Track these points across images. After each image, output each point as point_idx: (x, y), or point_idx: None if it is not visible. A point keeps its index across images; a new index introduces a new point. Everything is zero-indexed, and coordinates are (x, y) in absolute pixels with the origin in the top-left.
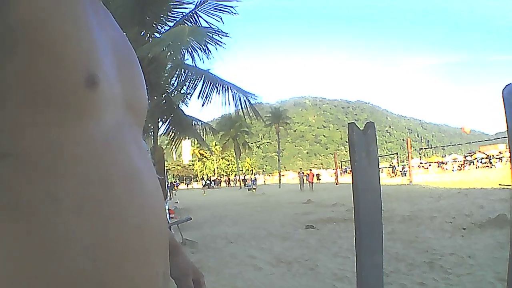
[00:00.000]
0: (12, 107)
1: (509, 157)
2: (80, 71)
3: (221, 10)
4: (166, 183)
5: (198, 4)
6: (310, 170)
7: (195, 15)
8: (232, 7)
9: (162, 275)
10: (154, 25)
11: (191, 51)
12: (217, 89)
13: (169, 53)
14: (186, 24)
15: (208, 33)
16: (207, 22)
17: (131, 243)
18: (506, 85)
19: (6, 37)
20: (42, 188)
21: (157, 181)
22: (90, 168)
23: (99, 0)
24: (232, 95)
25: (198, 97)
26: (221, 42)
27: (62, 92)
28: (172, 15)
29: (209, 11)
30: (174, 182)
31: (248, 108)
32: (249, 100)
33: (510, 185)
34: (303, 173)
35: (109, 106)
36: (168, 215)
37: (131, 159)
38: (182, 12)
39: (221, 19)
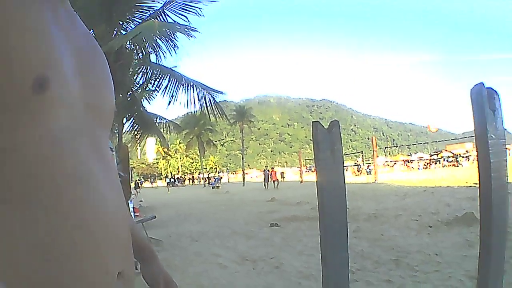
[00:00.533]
0: None
1: (476, 156)
2: (28, 76)
3: (187, 10)
4: (131, 182)
5: (165, 3)
6: (272, 168)
7: (162, 14)
8: (199, 8)
9: (118, 275)
10: (121, 23)
11: (157, 49)
12: (182, 87)
13: (141, 42)
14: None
15: (176, 27)
16: (174, 21)
17: (77, 242)
18: (475, 85)
19: None
20: None
21: (117, 184)
22: (37, 170)
23: (63, 3)
24: (197, 93)
25: (163, 95)
26: (190, 33)
27: (9, 96)
28: (139, 13)
29: (176, 10)
30: (139, 180)
31: (213, 106)
32: (214, 98)
33: (477, 184)
34: (268, 171)
35: (62, 109)
36: (133, 213)
37: (82, 162)
38: (149, 11)
39: (187, 18)
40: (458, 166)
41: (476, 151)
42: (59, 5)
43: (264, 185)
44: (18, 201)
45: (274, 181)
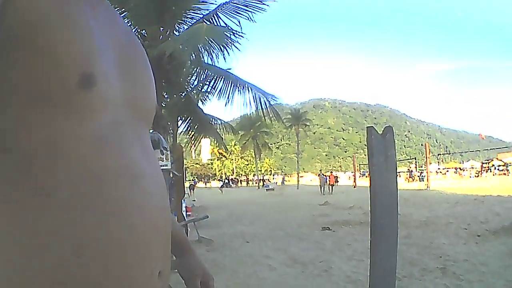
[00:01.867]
0: (14, 107)
1: None
2: (74, 72)
3: (240, 14)
4: (184, 181)
5: (218, 6)
6: (331, 172)
7: (215, 16)
8: (252, 12)
9: (159, 275)
10: (174, 24)
11: (210, 51)
12: (238, 88)
13: (185, 49)
14: (204, 23)
15: (225, 32)
16: (225, 24)
17: (123, 242)
18: None
19: (6, 39)
20: (35, 183)
21: (161, 181)
22: (83, 166)
23: (102, 0)
24: (253, 95)
25: (219, 97)
26: (236, 43)
27: (57, 93)
28: (191, 14)
29: (229, 13)
30: (193, 180)
31: (268, 109)
32: (269, 101)
33: None
34: (323, 175)
35: (107, 105)
36: (185, 212)
37: (129, 158)
38: (202, 13)
39: (239, 22)
40: (508, 174)
41: None
42: (98, 1)
43: (320, 189)
44: (60, 198)
45: (331, 185)
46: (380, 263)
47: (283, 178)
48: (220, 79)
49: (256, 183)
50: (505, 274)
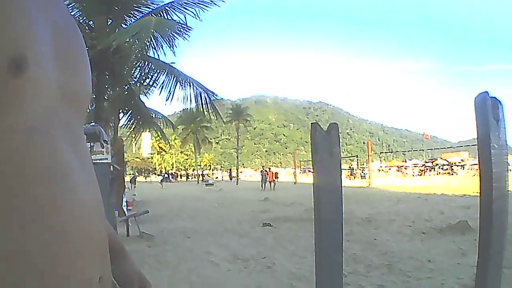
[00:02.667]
0: None
1: (477, 165)
2: (3, 54)
3: (188, 10)
4: (125, 176)
5: (169, 2)
6: (269, 168)
7: (163, 11)
8: (198, 9)
9: (99, 281)
10: (122, 16)
11: (155, 44)
12: (179, 83)
13: (133, 45)
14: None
15: (173, 26)
16: (172, 18)
17: (54, 247)
18: (479, 94)
19: None
20: None
21: (93, 178)
22: (7, 165)
23: None
24: (193, 90)
25: (160, 91)
26: (185, 35)
27: None
28: (140, 7)
29: (178, 8)
30: (133, 174)
31: (208, 105)
32: (209, 97)
33: (474, 193)
34: (265, 170)
35: (39, 93)
36: (125, 207)
37: (58, 153)
38: (151, 7)
39: (185, 17)
40: (452, 174)
41: (478, 160)
42: None
43: (262, 185)
44: None
45: (270, 182)
46: (326, 259)
47: (230, 173)
48: (162, 73)
49: (195, 177)
50: (456, 272)
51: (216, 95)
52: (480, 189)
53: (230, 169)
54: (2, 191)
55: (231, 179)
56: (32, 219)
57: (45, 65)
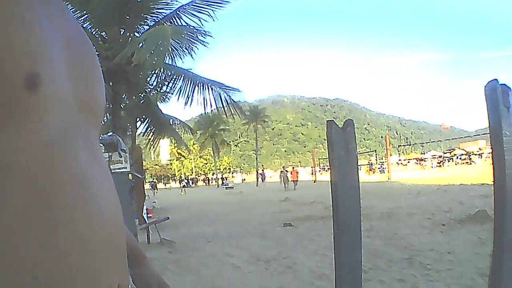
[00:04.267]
0: None
1: (491, 153)
2: (18, 73)
3: (201, 12)
4: (144, 183)
5: (179, 7)
6: (293, 168)
7: (175, 16)
8: (212, 10)
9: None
10: (135, 26)
11: (173, 52)
12: (197, 87)
13: (154, 60)
14: (166, 24)
15: (189, 33)
16: (187, 23)
17: (77, 255)
18: (489, 82)
19: None
20: None
21: (112, 186)
22: (31, 176)
23: None
24: (213, 92)
25: (178, 97)
26: (203, 42)
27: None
28: (153, 15)
29: (191, 12)
30: (153, 181)
31: (229, 105)
32: (230, 96)
33: (491, 182)
34: (286, 171)
35: (55, 107)
36: (146, 214)
37: (79, 164)
38: (163, 13)
39: (200, 20)
40: (471, 163)
41: (491, 148)
42: None
43: (284, 186)
44: (7, 213)
45: (294, 181)
46: (345, 257)
47: (263, 175)
48: (179, 78)
49: (215, 182)
50: (476, 262)
51: (239, 91)
52: (493, 177)
53: (263, 170)
54: (23, 202)
55: (263, 180)
56: (56, 228)
57: (60, 79)
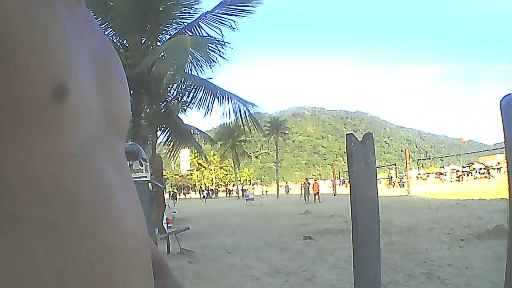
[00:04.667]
0: None
1: (507, 167)
2: (46, 83)
3: (222, 23)
4: (164, 193)
5: (200, 16)
6: (315, 180)
7: (196, 26)
8: (234, 21)
9: None
10: (156, 34)
11: (195, 63)
12: (217, 98)
13: (173, 72)
14: (186, 34)
15: (209, 44)
16: (207, 33)
17: (101, 263)
18: (504, 96)
19: None
20: (6, 209)
21: (136, 197)
22: (56, 187)
23: (79, 2)
24: (232, 105)
25: (198, 107)
26: (223, 53)
27: (27, 107)
28: (174, 24)
29: (211, 22)
30: (172, 191)
31: (248, 118)
32: (248, 110)
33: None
34: (308, 183)
35: (81, 119)
36: (166, 224)
37: (103, 175)
38: (184, 22)
39: (220, 31)
40: (489, 178)
41: (507, 162)
42: (74, 3)
43: (305, 198)
44: (32, 223)
45: (315, 194)
46: (364, 270)
47: (287, 187)
48: (200, 89)
49: (236, 193)
50: (492, 277)
51: (256, 106)
52: (508, 192)
53: (287, 183)
54: (48, 212)
55: (287, 192)
56: (77, 236)
57: (86, 91)
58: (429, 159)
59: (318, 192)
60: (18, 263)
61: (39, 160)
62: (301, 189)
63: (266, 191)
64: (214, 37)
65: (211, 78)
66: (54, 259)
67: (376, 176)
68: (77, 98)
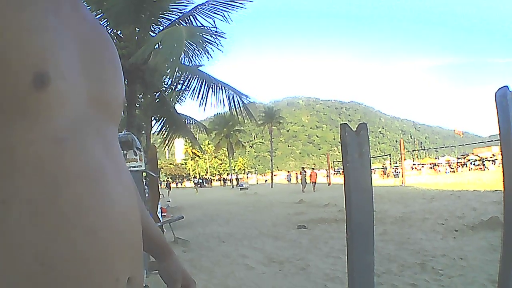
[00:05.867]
0: None
1: (502, 160)
2: (26, 72)
3: (216, 13)
4: (159, 183)
5: (195, 6)
6: (313, 169)
7: (191, 16)
8: (228, 11)
9: (128, 281)
10: (150, 25)
11: (191, 53)
12: (211, 88)
13: (169, 63)
14: (181, 24)
15: (204, 34)
16: (202, 24)
17: (84, 245)
18: (499, 88)
19: None
20: None
21: (127, 181)
22: (40, 169)
23: None
24: (226, 94)
25: (192, 96)
26: (218, 43)
27: (8, 95)
28: (168, 15)
29: (205, 13)
30: (167, 180)
31: (241, 108)
32: (242, 101)
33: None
34: (305, 171)
35: (66, 105)
36: (160, 213)
37: (91, 158)
38: (178, 13)
39: (214, 22)
40: (484, 169)
41: (501, 155)
42: None
43: (302, 188)
44: (17, 204)
45: (313, 183)
46: (358, 260)
47: (289, 176)
48: (193, 78)
49: (230, 182)
50: (487, 268)
51: (250, 98)
52: (503, 184)
53: (289, 172)
54: (33, 194)
55: (289, 181)
56: (64, 219)
57: (71, 77)
58: (424, 150)
59: (315, 181)
60: (0, 242)
61: (24, 145)
62: (297, 178)
63: (266, 180)
64: (209, 27)
65: (203, 65)
66: (36, 239)
67: (371, 166)
68: (61, 85)
